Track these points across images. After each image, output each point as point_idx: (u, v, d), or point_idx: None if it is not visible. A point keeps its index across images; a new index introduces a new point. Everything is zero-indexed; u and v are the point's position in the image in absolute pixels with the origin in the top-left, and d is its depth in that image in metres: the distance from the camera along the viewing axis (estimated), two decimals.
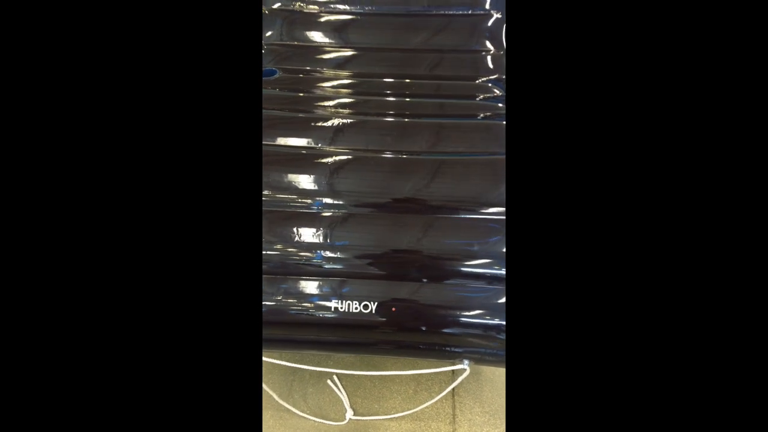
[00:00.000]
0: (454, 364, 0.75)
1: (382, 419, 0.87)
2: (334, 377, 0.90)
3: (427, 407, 0.88)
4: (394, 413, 0.88)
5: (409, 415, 0.88)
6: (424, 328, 0.72)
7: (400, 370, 0.80)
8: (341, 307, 0.70)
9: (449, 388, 0.85)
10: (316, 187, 0.83)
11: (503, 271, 0.74)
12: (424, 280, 0.74)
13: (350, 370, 0.84)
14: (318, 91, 1.01)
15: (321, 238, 0.77)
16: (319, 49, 1.09)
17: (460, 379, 0.75)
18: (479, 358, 0.73)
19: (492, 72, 1.04)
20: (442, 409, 0.90)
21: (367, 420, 0.88)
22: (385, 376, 0.85)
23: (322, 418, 0.88)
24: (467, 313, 0.72)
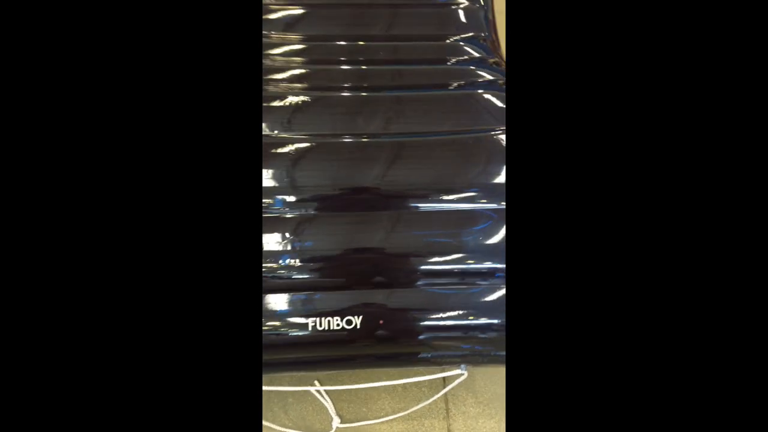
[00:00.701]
0: (445, 370, 0.72)
1: (373, 423, 0.84)
2: (316, 383, 0.85)
3: (419, 399, 0.85)
4: (384, 416, 0.85)
5: (401, 415, 0.85)
6: (403, 337, 0.68)
7: (390, 376, 0.76)
8: (319, 326, 0.64)
9: (443, 392, 0.82)
10: (275, 184, 0.75)
11: (481, 265, 0.69)
12: (402, 283, 0.68)
13: (335, 381, 0.79)
14: (267, 61, 0.91)
15: (286, 244, 0.70)
16: (265, 7, 0.98)
17: (456, 382, 0.71)
18: (465, 359, 0.70)
19: (466, 28, 0.95)
20: (435, 404, 0.87)
21: (355, 426, 0.84)
22: (369, 376, 0.81)
23: (306, 431, 0.84)
24: (446, 315, 0.68)
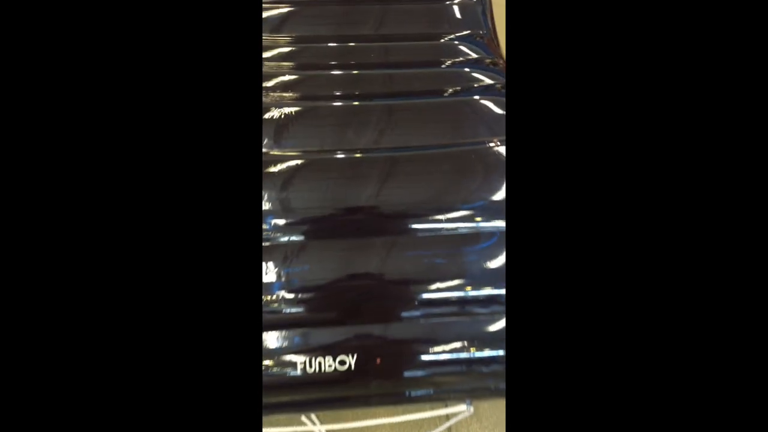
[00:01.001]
0: (448, 406, 0.68)
1: None
2: (313, 417, 0.82)
3: (420, 427, 0.81)
4: None
5: None
6: (402, 375, 0.63)
7: (391, 413, 0.72)
8: (309, 367, 0.60)
9: (446, 426, 0.78)
10: (265, 206, 0.70)
11: (481, 292, 0.64)
12: (399, 316, 0.64)
13: (332, 417, 0.76)
14: None
15: (277, 274, 0.66)
16: None
17: (459, 417, 0.68)
18: (469, 395, 0.65)
19: (461, 25, 0.88)
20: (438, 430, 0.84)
21: None
22: (370, 412, 0.77)
23: None
24: (448, 348, 0.63)
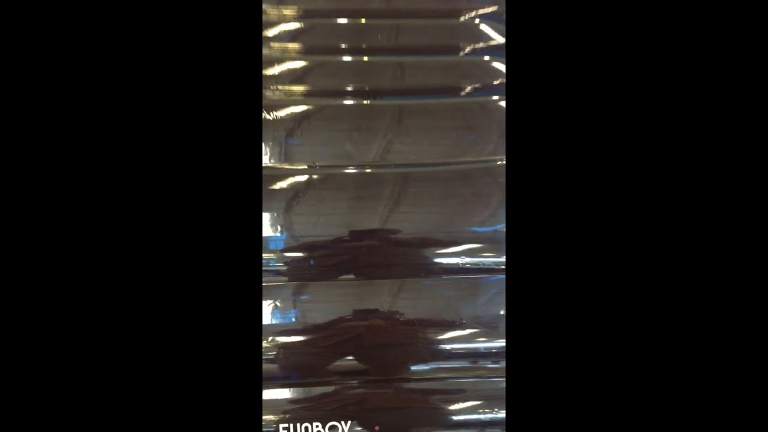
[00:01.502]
0: None
1: None
2: None
3: None
4: None
5: None
6: None
7: None
8: None
9: None
10: (272, 232, 0.69)
11: (492, 344, 0.61)
12: (411, 369, 0.63)
13: None
14: (263, 50, 0.80)
15: (279, 315, 0.65)
16: None
17: None
18: None
19: (483, 0, 0.76)
20: None
21: None
22: None
23: None
24: (461, 407, 0.61)
